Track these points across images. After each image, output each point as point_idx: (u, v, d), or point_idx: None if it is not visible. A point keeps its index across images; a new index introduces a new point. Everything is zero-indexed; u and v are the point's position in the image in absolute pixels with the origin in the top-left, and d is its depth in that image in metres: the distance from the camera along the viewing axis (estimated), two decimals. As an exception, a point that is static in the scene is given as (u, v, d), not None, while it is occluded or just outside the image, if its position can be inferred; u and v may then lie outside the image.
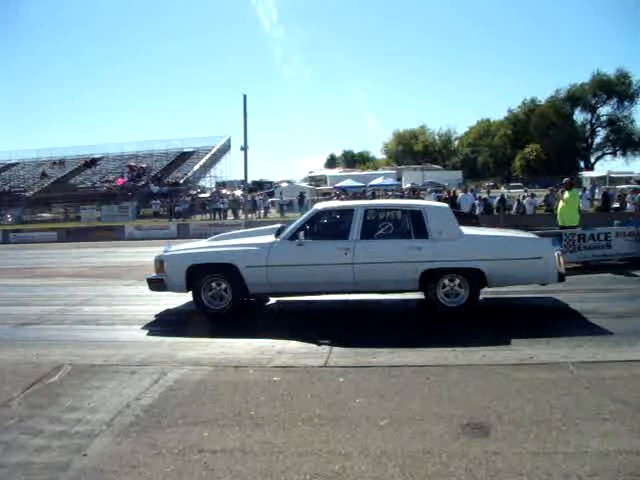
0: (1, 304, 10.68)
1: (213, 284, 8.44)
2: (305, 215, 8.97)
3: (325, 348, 6.60)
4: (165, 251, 8.92)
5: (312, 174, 73.37)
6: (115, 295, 11.20)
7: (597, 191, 33.71)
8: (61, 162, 60.21)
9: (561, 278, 8.13)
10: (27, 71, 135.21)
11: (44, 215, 47.71)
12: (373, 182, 50.68)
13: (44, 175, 57.31)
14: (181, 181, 50.81)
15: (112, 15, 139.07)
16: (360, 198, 33.25)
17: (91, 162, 58.86)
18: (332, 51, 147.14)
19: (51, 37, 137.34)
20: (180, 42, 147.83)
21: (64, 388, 5.47)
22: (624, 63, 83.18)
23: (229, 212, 38.36)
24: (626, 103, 75.13)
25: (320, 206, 9.21)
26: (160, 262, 8.64)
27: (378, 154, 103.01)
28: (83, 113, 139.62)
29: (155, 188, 47.78)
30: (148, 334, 7.76)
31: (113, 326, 8.37)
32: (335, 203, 12.42)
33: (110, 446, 4.13)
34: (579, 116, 79.63)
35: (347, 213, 8.56)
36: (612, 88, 74.68)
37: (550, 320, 8.04)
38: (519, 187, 42.43)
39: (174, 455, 3.94)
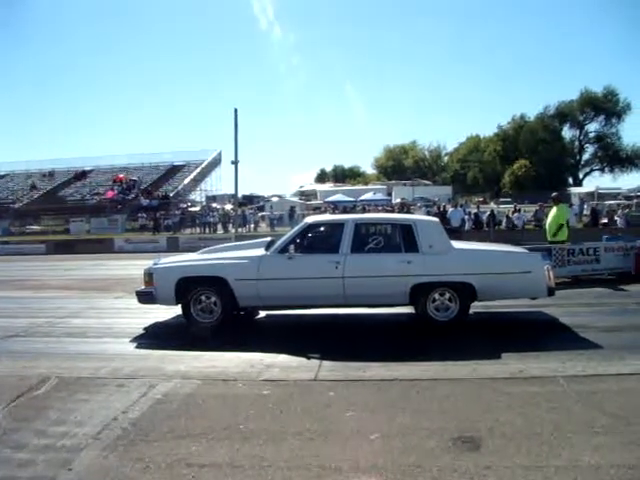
0: (-13, 316, 10.54)
1: (203, 297, 8.39)
2: (296, 228, 8.95)
3: (315, 362, 6.56)
4: (155, 264, 8.87)
5: (302, 189, 73.54)
6: (104, 308, 11.11)
7: (586, 207, 33.93)
8: (51, 174, 59.96)
9: (551, 292, 8.14)
10: (18, 82, 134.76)
11: (33, 227, 47.43)
12: (363, 197, 50.86)
13: (33, 187, 57.05)
14: (171, 194, 50.70)
15: (102, 26, 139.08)
16: (350, 213, 33.31)
17: (81, 174, 58.63)
18: (326, 61, 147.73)
19: (41, 48, 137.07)
20: (173, 54, 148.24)
21: (50, 401, 5.40)
22: (611, 81, 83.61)
23: (219, 226, 38.33)
24: (614, 120, 75.73)
25: (311, 219, 9.21)
26: (149, 275, 8.59)
27: (369, 169, 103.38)
28: (74, 125, 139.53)
29: (145, 201, 47.63)
30: (136, 347, 7.69)
31: (101, 339, 8.29)
32: (326, 216, 12.46)
33: (96, 460, 4.07)
34: (568, 133, 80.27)
35: (338, 227, 8.53)
36: (600, 105, 75.31)
37: (540, 334, 8.04)
38: (508, 202, 42.57)
39: (162, 469, 3.89)
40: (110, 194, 50.78)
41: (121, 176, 53.87)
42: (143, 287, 8.69)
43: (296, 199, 58.28)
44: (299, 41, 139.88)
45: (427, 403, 5.11)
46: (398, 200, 45.45)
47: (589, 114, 77.32)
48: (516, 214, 28.74)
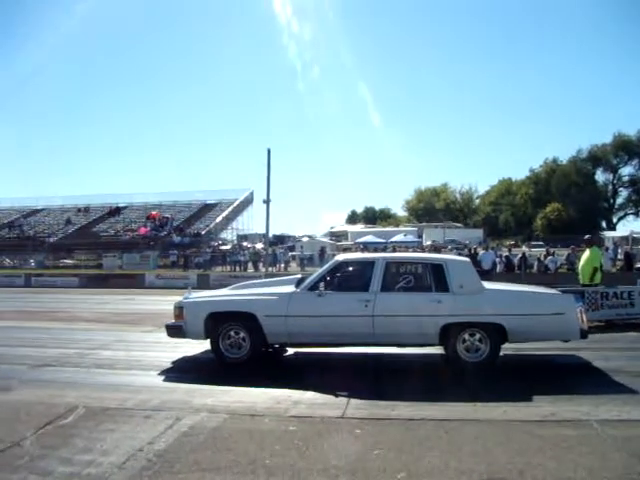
0: (19, 345, 10.70)
1: (232, 332, 8.41)
2: (326, 266, 8.96)
3: (343, 399, 6.50)
4: (185, 298, 8.92)
5: (333, 229, 73.85)
6: (133, 341, 11.18)
7: (619, 251, 33.43)
8: (86, 209, 61.13)
9: (584, 335, 7.99)
10: (52, 119, 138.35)
11: (66, 261, 48.15)
12: (394, 238, 50.86)
13: (69, 222, 58.12)
14: (203, 232, 51.20)
15: (137, 59, 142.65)
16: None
17: (115, 210, 59.66)
18: (361, 102, 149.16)
19: (74, 85, 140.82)
20: (207, 91, 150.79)
21: (77, 430, 5.43)
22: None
23: (249, 264, 38.45)
24: (648, 164, 75.23)
25: (341, 257, 9.22)
26: (179, 308, 8.64)
27: (399, 211, 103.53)
28: (109, 162, 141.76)
29: (177, 238, 48.17)
30: (164, 380, 7.71)
31: (130, 371, 8.33)
32: (356, 255, 12.45)
33: (122, 490, 4.06)
34: (601, 176, 79.96)
35: (368, 265, 8.52)
36: (633, 149, 74.99)
37: (572, 377, 7.88)
38: (540, 246, 42.23)
39: (186, 501, 3.87)
40: (143, 230, 51.46)
41: (154, 213, 54.66)
42: (173, 321, 8.74)
43: (327, 239, 58.46)
44: (328, 79, 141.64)
45: (456, 444, 5.02)
46: (429, 242, 45.43)
47: (623, 157, 76.95)
48: (550, 257, 28.43)
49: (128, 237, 51.46)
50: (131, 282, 31.53)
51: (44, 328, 13.20)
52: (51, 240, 53.35)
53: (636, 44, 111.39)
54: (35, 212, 63.36)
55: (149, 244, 48.07)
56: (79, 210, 61.41)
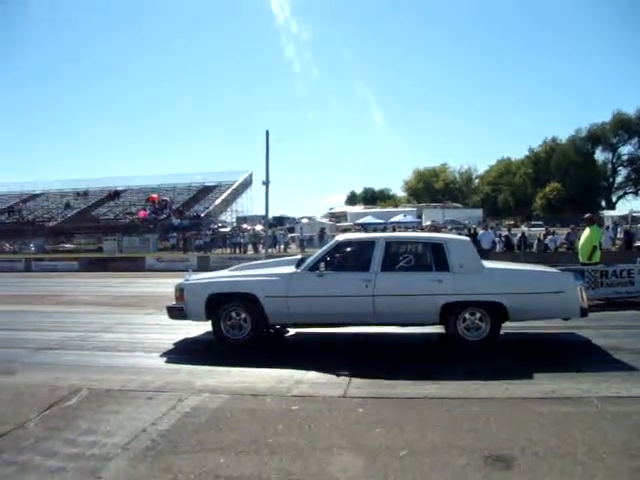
0: (22, 329, 10.76)
1: (233, 313, 8.43)
2: (326, 246, 8.95)
3: (344, 379, 6.53)
4: (186, 280, 8.94)
5: (333, 210, 73.73)
6: (135, 323, 11.23)
7: (619, 230, 33.42)
8: (85, 193, 60.98)
9: (584, 313, 8.02)
10: (54, 104, 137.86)
11: (66, 245, 48.14)
12: (393, 219, 50.76)
13: (68, 206, 58.00)
14: (202, 215, 51.14)
15: (134, 45, 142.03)
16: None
17: (114, 194, 59.50)
18: (359, 84, 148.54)
19: (77, 71, 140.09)
20: (207, 74, 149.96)
21: (81, 411, 5.46)
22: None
23: (249, 246, 38.44)
24: (647, 142, 75.01)
25: (341, 237, 9.21)
26: (180, 290, 8.66)
27: (399, 192, 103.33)
28: (108, 145, 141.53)
29: (177, 221, 48.10)
30: (166, 362, 7.74)
31: (132, 353, 8.36)
32: (356, 235, 12.42)
33: (125, 469, 4.10)
34: (600, 155, 79.67)
35: (368, 245, 8.52)
36: (633, 127, 74.67)
37: (573, 355, 7.92)
38: (540, 225, 42.19)
39: (190, 480, 3.90)
40: (142, 214, 51.39)
41: (154, 196, 54.56)
42: (174, 303, 8.76)
43: (326, 221, 58.37)
44: (328, 62, 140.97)
45: (458, 421, 5.05)
46: (428, 222, 45.37)
47: (622, 136, 76.68)
48: (549, 236, 28.43)
49: (127, 220, 51.42)
50: (131, 265, 31.57)
51: (46, 312, 13.23)
52: (50, 224, 53.29)
53: (635, 23, 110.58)
54: (34, 197, 63.19)
55: (149, 227, 48.02)
56: (78, 194, 61.23)
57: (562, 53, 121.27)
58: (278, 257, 21.55)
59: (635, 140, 76.01)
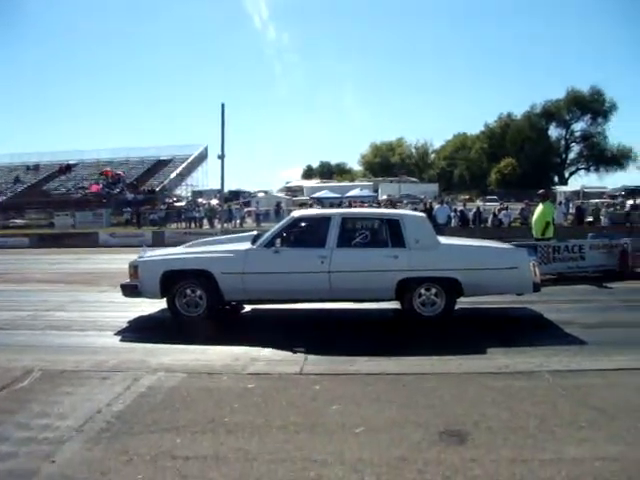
0: (-30, 309, 10.44)
1: (188, 291, 8.35)
2: (282, 222, 8.92)
3: (300, 356, 6.54)
4: (140, 257, 8.80)
5: (289, 184, 73.44)
6: (88, 301, 11.03)
7: (571, 205, 34.14)
8: (35, 167, 59.61)
9: (536, 288, 8.18)
10: (3, 76, 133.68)
11: (16, 221, 46.97)
12: (350, 193, 50.89)
13: (17, 180, 56.66)
14: (157, 189, 50.51)
15: (89, 19, 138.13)
16: (337, 208, 33.26)
17: (66, 168, 58.28)
18: (315, 58, 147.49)
19: (25, 42, 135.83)
20: (161, 48, 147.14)
21: (34, 394, 5.34)
22: (598, 80, 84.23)
23: (205, 221, 38.16)
24: (599, 120, 76.35)
25: (297, 213, 9.18)
26: (134, 268, 8.53)
27: (355, 166, 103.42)
28: (58, 118, 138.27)
29: (130, 196, 47.42)
30: (121, 340, 7.64)
31: (85, 332, 8.20)
32: (312, 211, 12.41)
33: (80, 452, 4.02)
34: (554, 131, 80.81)
35: (324, 221, 8.50)
36: (586, 105, 75.87)
37: (525, 330, 8.08)
38: (495, 200, 42.77)
39: (146, 462, 3.85)
40: (95, 188, 50.55)
41: (108, 170, 53.61)
42: (128, 280, 8.63)
43: (282, 195, 58.14)
44: (288, 35, 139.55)
45: (413, 397, 5.10)
46: (384, 197, 45.61)
47: (575, 113, 77.88)
48: (503, 212, 28.87)
49: (80, 195, 50.49)
50: (85, 241, 31.05)
51: (-5, 290, 12.92)
52: (-1, 200, 52.04)
53: (591, 1, 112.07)
54: (-19, 171, 61.58)
55: (102, 202, 47.26)
56: (28, 168, 59.86)
57: (519, 29, 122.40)
58: (234, 232, 21.47)
59: (588, 117, 77.30)
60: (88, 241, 31.24)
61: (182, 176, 56.54)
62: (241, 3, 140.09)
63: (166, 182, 52.87)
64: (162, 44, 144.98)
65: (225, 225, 32.53)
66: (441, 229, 20.40)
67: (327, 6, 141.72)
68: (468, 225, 27.33)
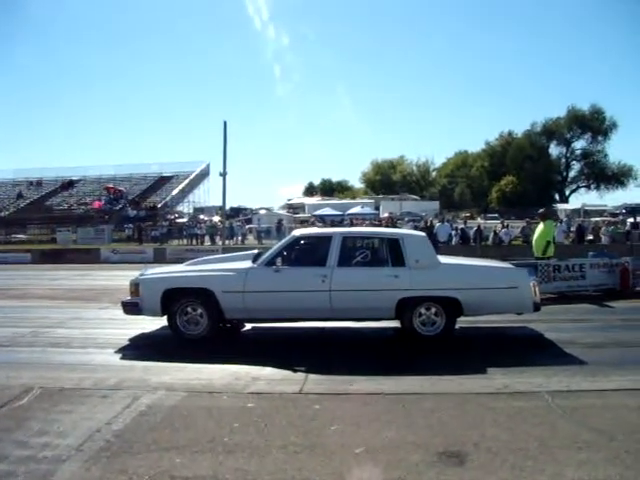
0: (-30, 326, 10.44)
1: (189, 309, 8.37)
2: (283, 241, 8.95)
3: (301, 375, 6.55)
4: (141, 275, 8.84)
5: (290, 202, 73.47)
6: (89, 318, 11.02)
7: (572, 223, 34.15)
8: (38, 183, 59.76)
9: (536, 308, 8.19)
10: (7, 91, 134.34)
11: (19, 236, 47.04)
12: (351, 211, 50.89)
13: (20, 196, 56.78)
14: (159, 205, 50.61)
15: (92, 32, 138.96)
16: (338, 226, 33.31)
17: (68, 184, 58.47)
18: (316, 74, 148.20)
19: (30, 57, 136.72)
20: (161, 61, 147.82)
21: (33, 412, 5.35)
22: (598, 99, 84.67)
23: (206, 238, 38.20)
24: (600, 138, 76.38)
25: (298, 232, 9.22)
26: (135, 285, 8.56)
27: (357, 183, 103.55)
28: (61, 134, 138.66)
29: (132, 212, 47.49)
30: (121, 358, 7.64)
31: (86, 349, 8.20)
32: (313, 230, 12.44)
33: (79, 472, 4.03)
34: (554, 149, 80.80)
35: (325, 240, 8.54)
36: (586, 123, 75.99)
37: (525, 349, 8.07)
38: (495, 218, 42.79)
39: (145, 481, 3.86)
40: (97, 204, 50.62)
41: (110, 186, 53.79)
42: (129, 298, 8.65)
43: (284, 212, 58.18)
44: (290, 49, 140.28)
45: (413, 417, 5.11)
46: (386, 214, 45.62)
47: (576, 131, 77.95)
48: (504, 230, 28.88)
49: (82, 211, 50.57)
50: (86, 257, 31.05)
51: (-4, 306, 12.92)
52: (2, 215, 52.11)
53: (591, 19, 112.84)
54: (-16, 186, 61.75)
55: (104, 218, 47.32)
56: (31, 183, 60.00)
57: (520, 47, 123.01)
58: (235, 249, 21.50)
59: (588, 135, 77.39)
60: (90, 257, 31.25)
61: (184, 193, 56.67)
62: (243, 9, 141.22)
63: (168, 199, 52.99)
64: (162, 56, 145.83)
65: (227, 242, 32.61)
66: (442, 247, 20.45)
67: (329, 16, 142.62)
68: (469, 243, 27.32)
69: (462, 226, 29.85)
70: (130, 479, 3.90)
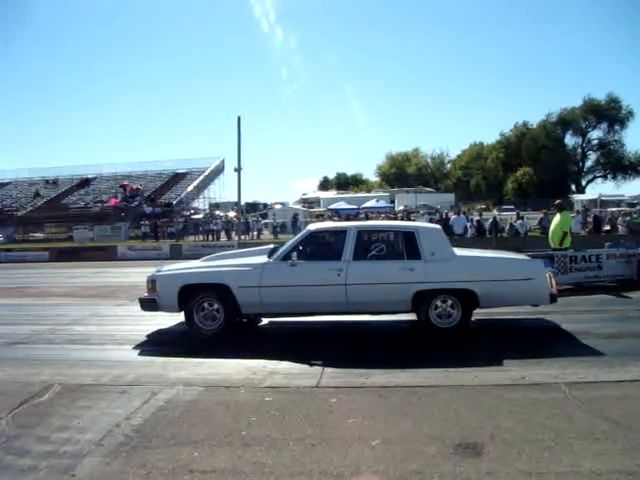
0: (-9, 323, 10.58)
1: (205, 304, 8.41)
2: (298, 236, 8.98)
3: (317, 369, 6.57)
4: (158, 271, 8.90)
5: (305, 196, 73.61)
6: (106, 315, 11.13)
7: (588, 214, 33.87)
8: (54, 182, 60.08)
9: (553, 299, 8.15)
10: (22, 90, 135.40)
11: (36, 235, 47.45)
12: (366, 204, 50.88)
13: (37, 194, 57.14)
14: (174, 202, 50.76)
15: (106, 32, 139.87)
16: (353, 220, 33.28)
17: (84, 182, 58.77)
18: (328, 68, 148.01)
19: (45, 56, 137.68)
20: (174, 60, 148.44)
21: (53, 408, 5.42)
22: (614, 88, 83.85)
23: (222, 233, 38.31)
24: (616, 127, 75.81)
25: (313, 227, 9.23)
26: (152, 282, 8.62)
27: (371, 177, 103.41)
28: (77, 132, 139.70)
29: (148, 209, 47.66)
30: (139, 354, 7.71)
31: (104, 346, 8.30)
32: (328, 224, 12.46)
33: (99, 466, 4.09)
34: (570, 140, 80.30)
35: (340, 234, 8.56)
36: (602, 112, 75.39)
37: (542, 341, 8.04)
38: (511, 210, 42.56)
39: (164, 475, 3.91)
40: (113, 202, 50.83)
41: (126, 183, 54.02)
42: (146, 294, 8.72)
43: (299, 206, 58.26)
44: (301, 46, 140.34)
45: (429, 410, 5.12)
46: (401, 207, 45.54)
47: (592, 121, 77.38)
48: (519, 221, 28.70)
49: (98, 209, 50.84)
50: (103, 255, 31.26)
51: (15, 305, 13.07)
52: (19, 214, 52.48)
53: (606, 10, 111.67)
54: (2, 185, 62.19)
55: (120, 215, 47.54)
56: (47, 182, 60.31)
57: (535, 37, 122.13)
58: (251, 244, 21.54)
59: (604, 125, 76.79)
60: (106, 254, 31.46)
61: (199, 189, 56.73)
62: (250, 10, 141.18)
63: (183, 195, 53.09)
64: (175, 55, 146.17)
65: (242, 237, 32.68)
66: (458, 239, 20.37)
67: (339, 14, 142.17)
68: (485, 235, 27.18)
69: (478, 218, 29.69)
70: (149, 473, 3.95)
